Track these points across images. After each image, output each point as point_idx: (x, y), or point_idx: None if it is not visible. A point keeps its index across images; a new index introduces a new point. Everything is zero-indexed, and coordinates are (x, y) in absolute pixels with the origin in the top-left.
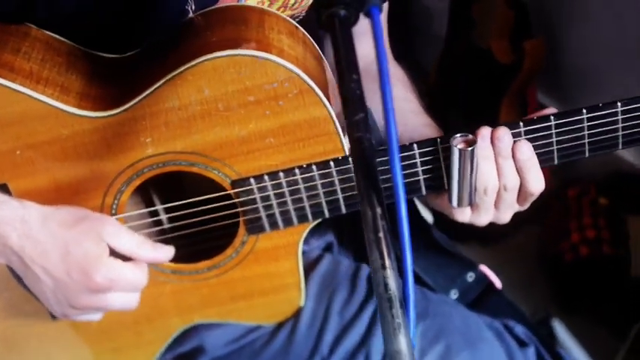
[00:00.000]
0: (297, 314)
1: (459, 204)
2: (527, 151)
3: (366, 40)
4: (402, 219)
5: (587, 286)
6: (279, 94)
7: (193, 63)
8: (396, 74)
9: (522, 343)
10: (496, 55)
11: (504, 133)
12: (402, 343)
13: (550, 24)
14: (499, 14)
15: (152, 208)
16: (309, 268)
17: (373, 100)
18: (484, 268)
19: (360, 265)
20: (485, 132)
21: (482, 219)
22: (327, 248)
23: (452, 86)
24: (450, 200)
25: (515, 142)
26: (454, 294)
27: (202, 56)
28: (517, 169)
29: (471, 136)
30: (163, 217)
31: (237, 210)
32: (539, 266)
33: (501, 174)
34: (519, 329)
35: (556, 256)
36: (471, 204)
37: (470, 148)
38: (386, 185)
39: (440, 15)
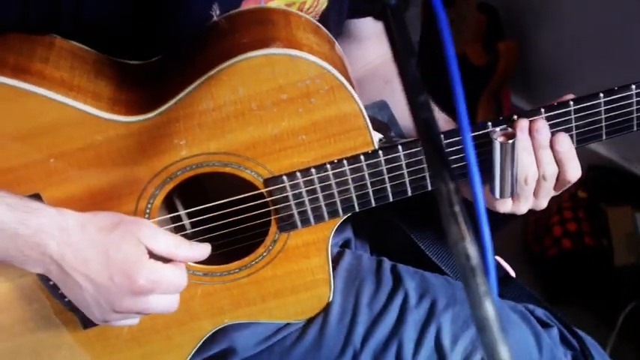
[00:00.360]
0: (326, 309)
1: (502, 195)
2: (566, 143)
3: (370, 44)
4: (477, 190)
5: (573, 278)
6: (311, 91)
7: (229, 63)
8: None
9: (545, 325)
10: (470, 58)
11: (543, 126)
12: (489, 309)
13: (520, 28)
14: (471, 19)
15: (186, 211)
16: (332, 264)
17: (384, 97)
18: (498, 258)
19: (381, 259)
20: (524, 124)
21: (522, 207)
22: (345, 244)
23: (428, 91)
24: (492, 192)
25: (553, 134)
26: None
27: (237, 56)
28: (556, 160)
29: (510, 130)
30: (194, 220)
31: (268, 209)
32: (525, 261)
33: (540, 164)
34: (540, 312)
35: (540, 250)
36: (512, 195)
37: (510, 141)
38: (416, 176)
39: (409, 21)
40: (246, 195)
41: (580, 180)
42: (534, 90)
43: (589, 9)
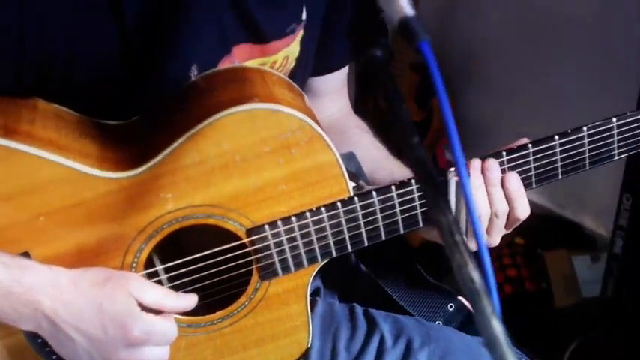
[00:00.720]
0: (305, 355)
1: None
2: (515, 181)
3: (329, 99)
4: (475, 219)
5: (516, 322)
6: (291, 142)
7: (213, 119)
8: (361, 125)
9: None
10: None
11: (493, 165)
12: (497, 327)
13: (452, 84)
14: (404, 78)
15: (170, 264)
16: None
17: (344, 149)
18: (461, 298)
19: (352, 305)
20: (476, 164)
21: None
22: (315, 293)
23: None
24: None
25: (504, 173)
26: (438, 324)
27: (220, 112)
28: (507, 198)
29: None
30: (175, 273)
31: (250, 258)
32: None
33: (492, 202)
34: None
35: None
36: (467, 231)
37: None
38: (389, 221)
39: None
40: (229, 245)
41: (516, 227)
42: (468, 143)
43: (516, 65)
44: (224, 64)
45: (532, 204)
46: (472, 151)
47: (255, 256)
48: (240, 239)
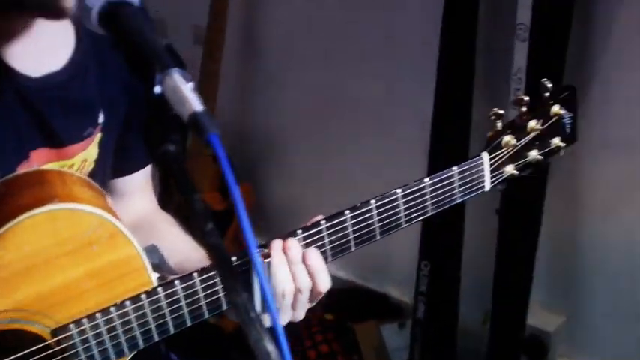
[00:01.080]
0: None
1: (263, 310)
2: (315, 257)
3: (134, 198)
4: (268, 296)
5: None
6: (92, 239)
7: (12, 223)
8: (168, 219)
9: None
10: (210, 206)
11: (293, 243)
12: None
13: (252, 171)
14: (207, 170)
15: None
16: None
17: (150, 243)
18: None
19: None
20: (276, 245)
21: (283, 319)
22: None
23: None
24: None
25: (305, 250)
26: None
27: (20, 216)
28: (309, 273)
29: (266, 250)
30: None
31: (57, 358)
32: None
33: (295, 278)
34: None
35: None
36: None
37: (267, 260)
38: (194, 307)
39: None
40: (32, 349)
41: (326, 303)
42: (271, 226)
43: (312, 148)
44: (23, 169)
45: (338, 279)
46: (275, 233)
47: (61, 356)
48: (46, 340)
